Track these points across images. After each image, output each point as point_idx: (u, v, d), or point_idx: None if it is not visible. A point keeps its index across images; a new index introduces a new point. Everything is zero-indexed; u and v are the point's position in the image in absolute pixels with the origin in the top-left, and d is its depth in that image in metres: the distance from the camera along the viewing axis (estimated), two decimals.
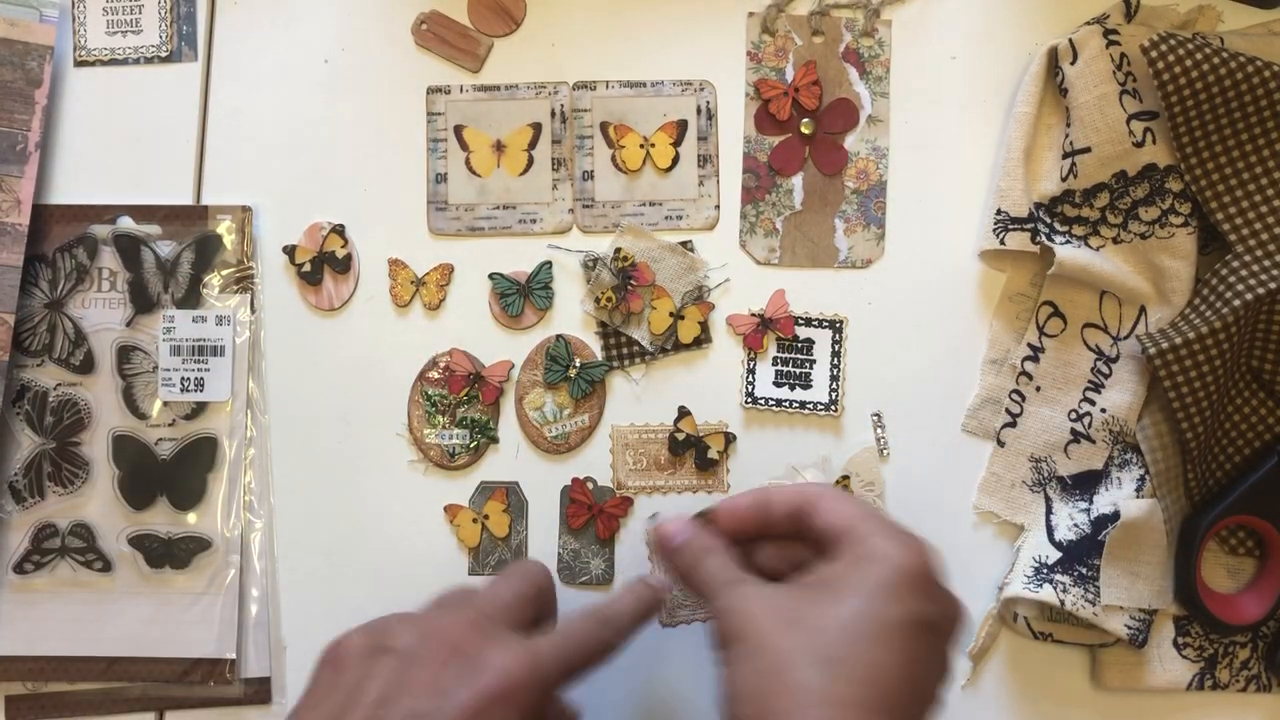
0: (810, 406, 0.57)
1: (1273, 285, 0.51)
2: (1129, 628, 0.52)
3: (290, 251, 0.59)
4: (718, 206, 0.58)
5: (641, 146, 0.58)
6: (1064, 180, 0.55)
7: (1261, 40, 0.55)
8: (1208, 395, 0.52)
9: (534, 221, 0.59)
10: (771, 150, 0.58)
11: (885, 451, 0.57)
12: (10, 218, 0.57)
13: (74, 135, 0.60)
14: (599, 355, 0.58)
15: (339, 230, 0.59)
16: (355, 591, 0.57)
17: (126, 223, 0.58)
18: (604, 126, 0.59)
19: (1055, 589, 0.53)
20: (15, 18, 0.58)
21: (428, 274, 0.58)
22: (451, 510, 0.58)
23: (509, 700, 0.40)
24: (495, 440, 0.58)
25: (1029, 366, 0.56)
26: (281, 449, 0.58)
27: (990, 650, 0.56)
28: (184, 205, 0.59)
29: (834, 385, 0.57)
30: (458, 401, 0.58)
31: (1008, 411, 0.57)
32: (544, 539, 0.58)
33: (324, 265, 0.58)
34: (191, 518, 0.57)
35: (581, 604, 0.48)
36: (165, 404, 0.58)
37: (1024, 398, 0.56)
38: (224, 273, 0.58)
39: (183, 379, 0.57)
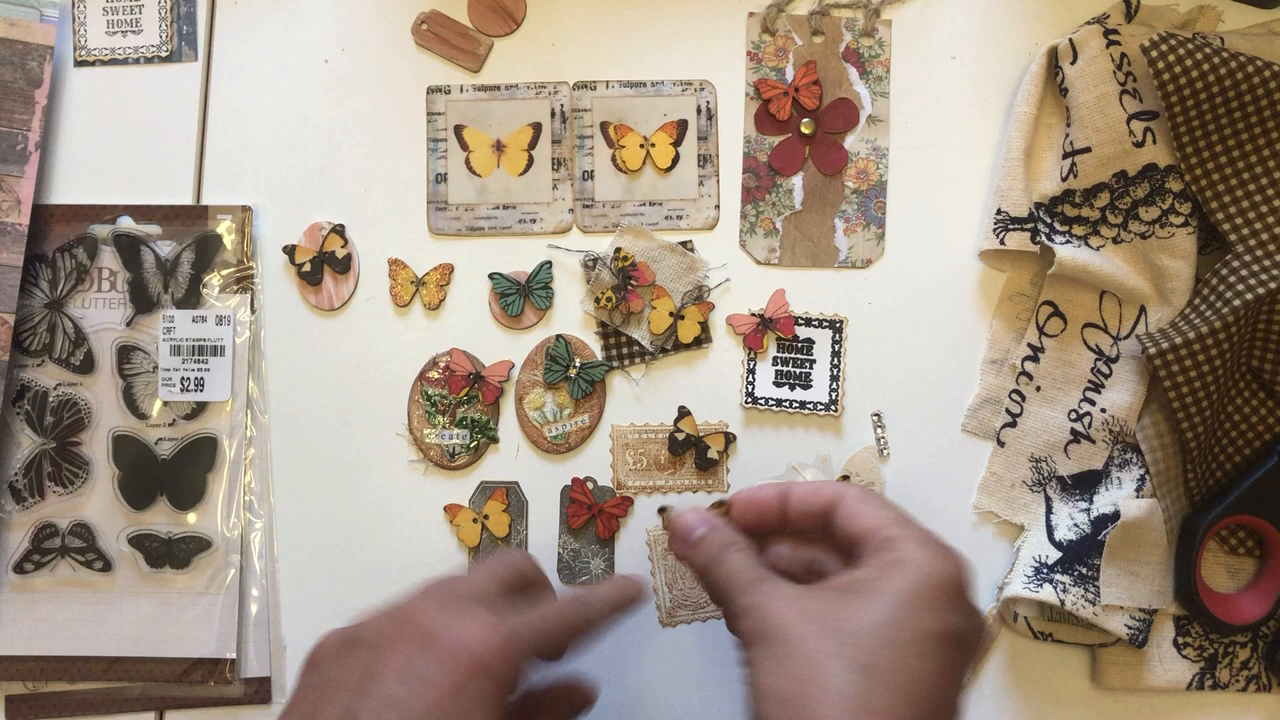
0: (810, 406, 0.57)
1: (1273, 285, 0.51)
2: (1129, 628, 0.52)
3: (290, 251, 0.59)
4: (718, 206, 0.58)
5: (641, 146, 0.58)
6: (1064, 180, 0.55)
7: (1261, 40, 0.55)
8: (1208, 395, 0.52)
9: (534, 221, 0.59)
10: (771, 150, 0.58)
11: (885, 451, 0.57)
12: (10, 218, 0.57)
13: (74, 135, 0.60)
14: (599, 355, 0.58)
15: (339, 230, 0.59)
16: (355, 591, 0.57)
17: (126, 223, 0.58)
18: (604, 126, 0.59)
19: (1055, 589, 0.53)
20: (15, 18, 0.58)
21: (428, 274, 0.58)
22: (451, 510, 0.58)
23: (484, 672, 0.40)
24: (495, 440, 0.58)
25: (1029, 366, 0.56)
26: (281, 449, 0.58)
27: (990, 650, 0.56)
28: (184, 205, 0.59)
29: (834, 385, 0.57)
30: (458, 401, 0.58)
31: (1008, 411, 0.57)
32: (544, 539, 0.58)
33: (324, 265, 0.59)
34: (191, 518, 0.57)
35: None
36: (165, 404, 0.58)
37: (1024, 398, 0.56)
38: (224, 273, 0.58)
39: (183, 379, 0.57)
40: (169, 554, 0.57)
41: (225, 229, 0.58)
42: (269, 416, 0.58)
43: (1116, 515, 0.52)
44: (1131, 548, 0.53)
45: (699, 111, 0.59)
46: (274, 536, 0.58)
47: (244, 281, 0.58)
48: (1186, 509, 0.55)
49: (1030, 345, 0.56)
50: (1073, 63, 0.54)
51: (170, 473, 0.57)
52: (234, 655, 0.56)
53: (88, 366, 0.58)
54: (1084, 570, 0.53)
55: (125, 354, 0.58)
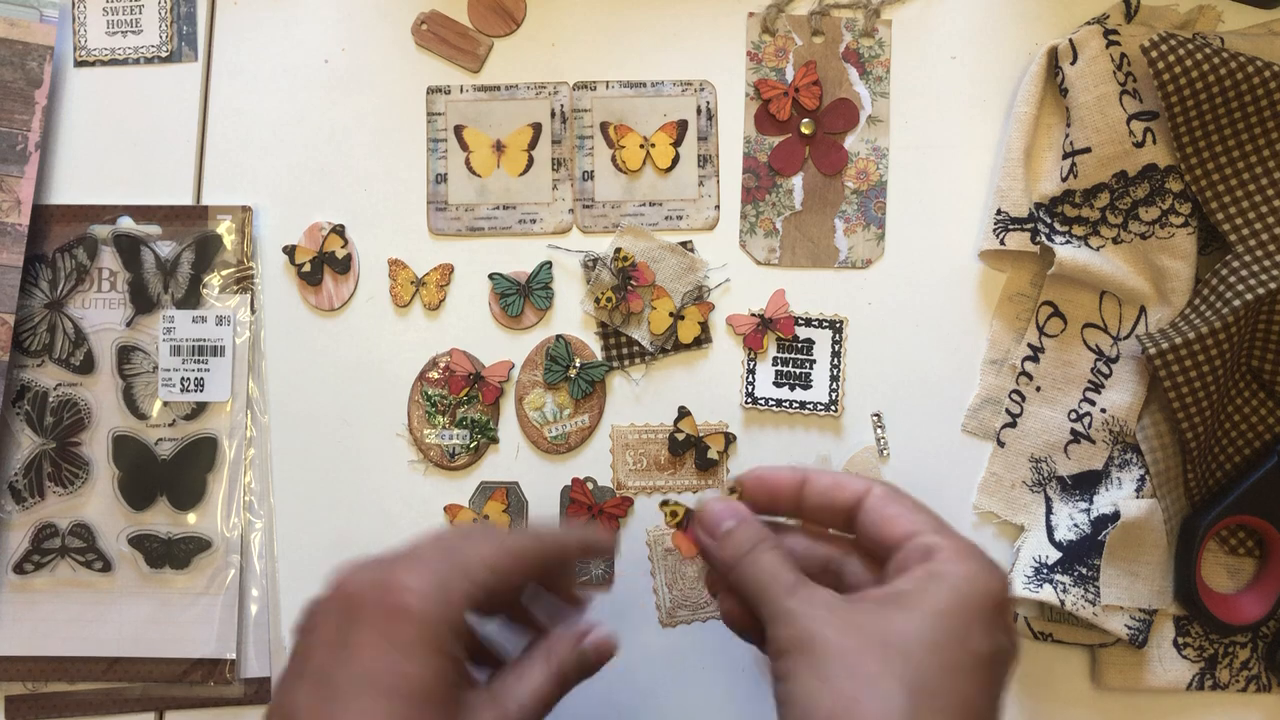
0: (810, 406, 0.57)
1: (1273, 285, 0.51)
2: (1129, 628, 0.52)
3: (290, 251, 0.59)
4: (718, 206, 0.58)
5: (641, 146, 0.58)
6: (1064, 180, 0.55)
7: (1261, 40, 0.55)
8: (1208, 395, 0.52)
9: (534, 221, 0.59)
10: (771, 150, 0.58)
11: (885, 451, 0.57)
12: (10, 218, 0.57)
13: (74, 135, 0.60)
14: (599, 355, 0.58)
15: (339, 230, 0.59)
16: None
17: (126, 223, 0.58)
18: (604, 126, 0.59)
19: (1055, 589, 0.53)
20: (15, 18, 0.58)
21: (428, 274, 0.58)
22: (451, 510, 0.58)
23: (409, 616, 0.37)
24: (495, 440, 0.58)
25: (1029, 366, 0.56)
26: (281, 449, 0.58)
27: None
28: (184, 205, 0.59)
29: (834, 385, 0.57)
30: (458, 401, 0.58)
31: (1008, 412, 0.57)
32: None
33: (324, 265, 0.59)
34: (191, 518, 0.57)
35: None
36: (165, 404, 0.58)
37: (1024, 398, 0.56)
38: (224, 273, 0.58)
39: (183, 379, 0.57)
40: (169, 554, 0.57)
41: (225, 229, 0.58)
42: (269, 417, 0.58)
43: (1116, 515, 0.52)
44: (1131, 548, 0.53)
45: (699, 111, 0.59)
46: (274, 536, 0.58)
47: (244, 282, 0.58)
48: (1186, 509, 0.55)
49: (1030, 345, 0.56)
50: (1073, 63, 0.54)
51: (170, 473, 0.57)
52: (234, 655, 0.56)
53: (88, 367, 0.58)
54: (1084, 570, 0.53)
55: (125, 354, 0.58)
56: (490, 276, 0.58)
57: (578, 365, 0.57)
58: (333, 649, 0.38)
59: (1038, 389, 0.56)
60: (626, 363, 0.58)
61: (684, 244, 0.58)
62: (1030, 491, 0.56)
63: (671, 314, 0.57)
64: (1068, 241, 0.55)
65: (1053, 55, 0.56)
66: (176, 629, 0.57)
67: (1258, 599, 0.54)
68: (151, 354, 0.58)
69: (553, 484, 0.58)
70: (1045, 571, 0.53)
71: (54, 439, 0.57)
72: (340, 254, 0.58)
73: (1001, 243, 0.55)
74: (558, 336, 0.58)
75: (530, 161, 0.59)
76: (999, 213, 0.55)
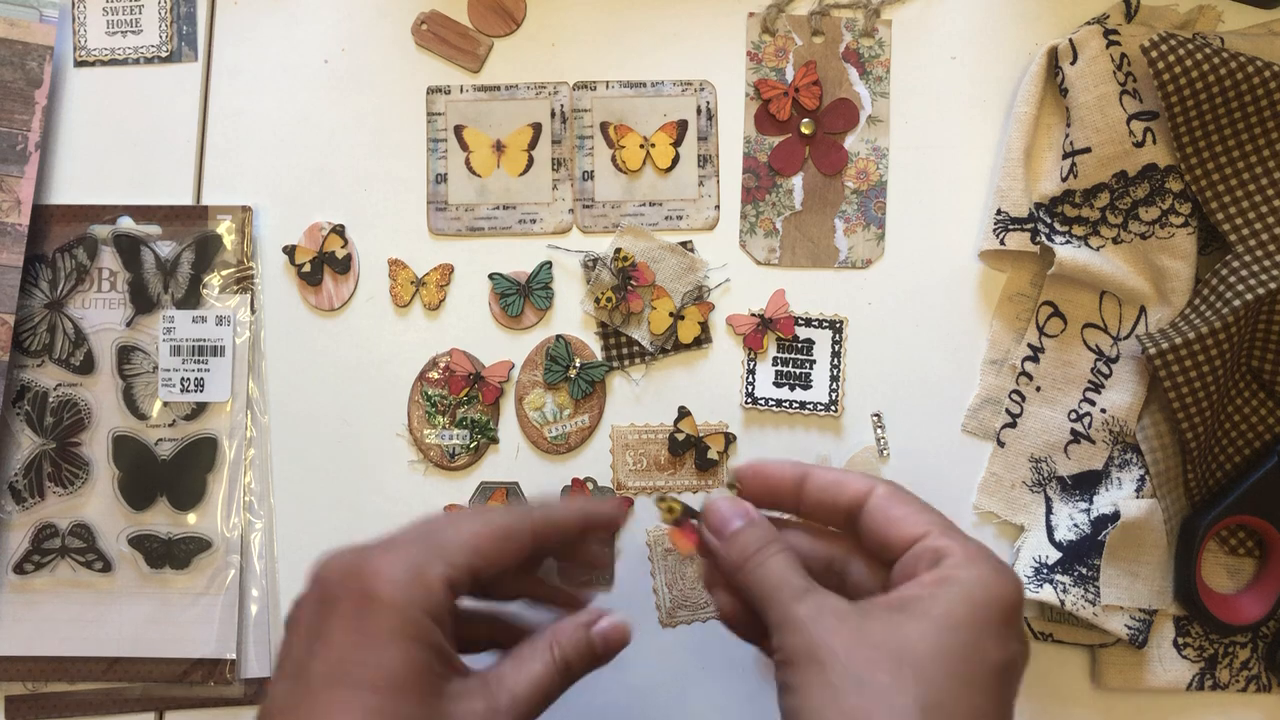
0: (810, 407, 0.57)
1: (1273, 285, 0.51)
2: (1129, 628, 0.52)
3: (290, 251, 0.59)
4: (718, 206, 0.58)
5: (641, 146, 0.58)
6: (1064, 180, 0.55)
7: (1261, 40, 0.55)
8: (1208, 395, 0.52)
9: (534, 221, 0.59)
10: (771, 150, 0.58)
11: (885, 451, 0.57)
12: (10, 218, 0.57)
13: (74, 135, 0.60)
14: (599, 355, 0.58)
15: (339, 230, 0.59)
16: None
17: (126, 223, 0.58)
18: (604, 126, 0.59)
19: (1055, 589, 0.53)
20: (15, 18, 0.58)
21: (428, 274, 0.58)
22: (452, 510, 0.58)
23: (380, 604, 0.36)
24: (495, 440, 0.58)
25: (1029, 366, 0.56)
26: (281, 449, 0.58)
27: None
28: (184, 205, 0.59)
29: (834, 385, 0.57)
30: (458, 402, 0.58)
31: (1008, 412, 0.57)
32: None
33: (324, 265, 0.59)
34: (191, 518, 0.57)
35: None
36: (165, 404, 0.58)
37: (1024, 398, 0.56)
38: (224, 273, 0.58)
39: (183, 379, 0.57)
40: (169, 554, 0.57)
41: (225, 229, 0.58)
42: (269, 417, 0.58)
43: (1116, 515, 0.52)
44: (1131, 548, 0.53)
45: (699, 112, 0.58)
46: (274, 537, 0.58)
47: (244, 282, 0.58)
48: (1186, 509, 0.55)
49: (1030, 345, 0.56)
50: (1073, 63, 0.54)
51: (170, 473, 0.57)
52: (234, 656, 0.56)
53: (88, 367, 0.58)
54: (1084, 570, 0.53)
55: (125, 354, 0.58)
56: (490, 276, 0.58)
57: (578, 365, 0.57)
58: (308, 641, 0.37)
59: (1038, 389, 0.56)
60: (626, 363, 0.58)
61: (684, 244, 0.58)
62: (1030, 491, 0.56)
63: (671, 314, 0.57)
64: (1068, 241, 0.55)
65: (1053, 55, 0.56)
66: (176, 629, 0.57)
67: (1258, 599, 0.54)
68: (151, 354, 0.58)
69: (553, 484, 0.58)
70: (1045, 571, 0.53)
71: (54, 439, 0.57)
72: (340, 254, 0.58)
73: (1001, 243, 0.55)
74: (558, 336, 0.58)
75: (530, 161, 0.59)
76: (999, 213, 0.55)
